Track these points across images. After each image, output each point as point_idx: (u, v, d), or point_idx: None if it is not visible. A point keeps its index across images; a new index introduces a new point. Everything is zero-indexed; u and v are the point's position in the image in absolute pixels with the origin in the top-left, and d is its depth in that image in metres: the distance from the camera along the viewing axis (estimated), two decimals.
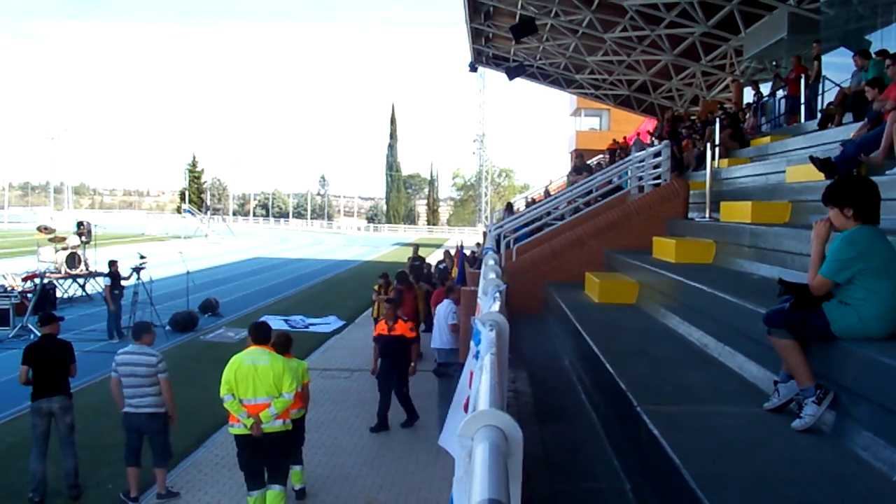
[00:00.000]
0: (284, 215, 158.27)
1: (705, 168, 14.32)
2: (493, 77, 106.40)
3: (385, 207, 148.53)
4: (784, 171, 11.93)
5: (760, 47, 23.49)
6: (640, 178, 16.46)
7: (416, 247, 29.02)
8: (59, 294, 28.35)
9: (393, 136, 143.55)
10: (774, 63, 22.26)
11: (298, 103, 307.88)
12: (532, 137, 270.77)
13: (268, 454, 9.86)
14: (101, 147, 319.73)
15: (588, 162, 32.46)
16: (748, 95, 24.89)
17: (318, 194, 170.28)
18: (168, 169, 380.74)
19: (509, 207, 36.19)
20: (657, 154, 15.94)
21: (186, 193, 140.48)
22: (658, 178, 15.67)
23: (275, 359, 9.72)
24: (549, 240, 15.53)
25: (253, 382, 9.51)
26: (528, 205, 30.63)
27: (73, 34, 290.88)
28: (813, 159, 9.72)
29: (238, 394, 9.51)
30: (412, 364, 14.63)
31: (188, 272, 27.33)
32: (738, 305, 6.66)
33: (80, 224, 31.46)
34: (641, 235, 13.33)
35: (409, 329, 14.53)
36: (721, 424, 4.97)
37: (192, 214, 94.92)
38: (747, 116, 21.81)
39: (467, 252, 24.29)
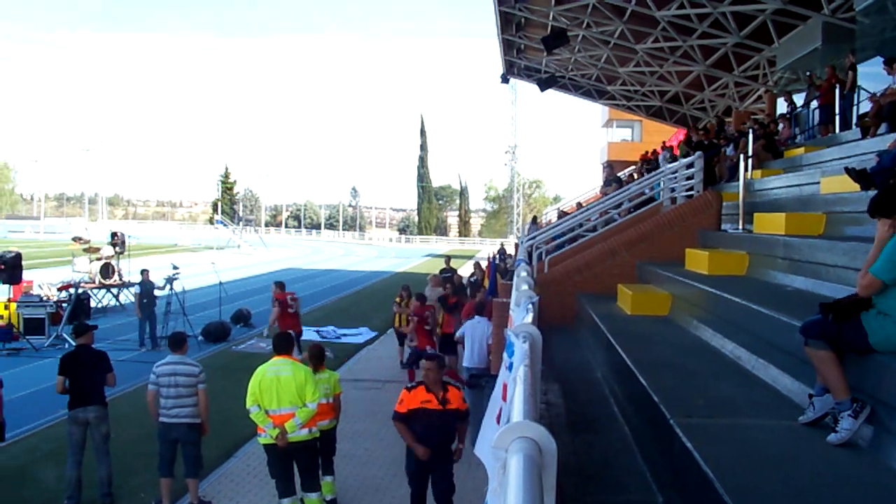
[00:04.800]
0: (316, 226, 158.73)
1: (738, 179, 14.23)
2: (524, 88, 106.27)
3: (416, 219, 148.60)
4: (818, 183, 11.82)
5: (794, 57, 23.34)
6: (673, 190, 16.40)
7: (448, 258, 29.02)
8: (92, 304, 28.59)
9: (423, 147, 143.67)
10: (808, 73, 22.07)
11: (330, 115, 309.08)
12: (563, 149, 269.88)
13: (296, 462, 9.92)
14: (135, 158, 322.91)
15: (619, 174, 32.37)
16: (781, 106, 24.72)
17: (350, 205, 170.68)
18: (201, 180, 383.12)
19: (534, 221, 36.15)
20: (690, 165, 15.87)
21: (219, 204, 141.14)
22: (691, 189, 15.59)
23: (297, 369, 9.75)
24: (581, 251, 15.50)
25: (277, 393, 9.55)
26: (559, 216, 30.58)
27: (108, 46, 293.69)
28: (848, 170, 9.63)
29: (263, 405, 9.56)
30: (460, 446, 10.03)
31: (220, 283, 27.47)
32: (772, 317, 6.62)
33: (113, 235, 31.70)
34: (674, 247, 13.27)
35: (463, 398, 9.94)
36: (755, 437, 4.93)
37: (225, 225, 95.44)
38: (780, 127, 21.64)
39: (507, 251, 24.25)
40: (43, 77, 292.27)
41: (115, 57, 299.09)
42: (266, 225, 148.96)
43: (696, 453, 4.44)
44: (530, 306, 6.29)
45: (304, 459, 9.92)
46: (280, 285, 19.30)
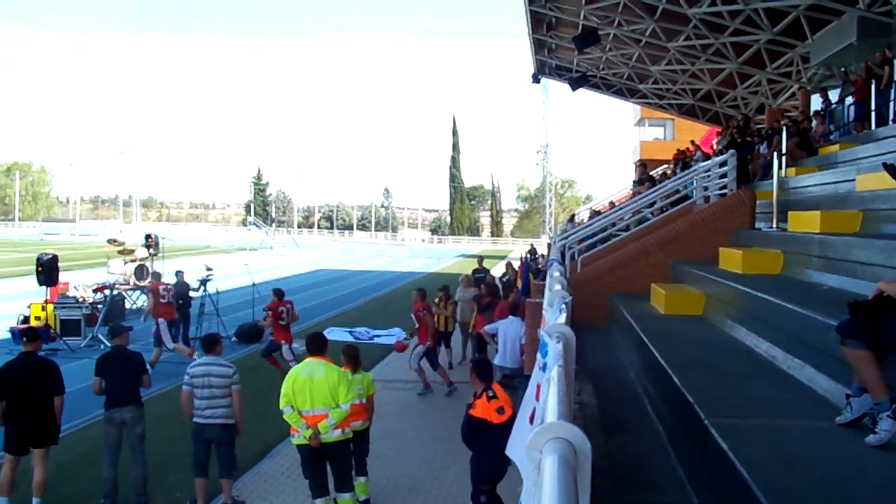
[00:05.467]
0: (349, 227, 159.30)
1: (772, 177, 14.13)
2: (556, 87, 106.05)
3: (449, 219, 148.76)
4: (854, 180, 11.70)
5: (828, 53, 23.12)
6: (706, 188, 16.31)
7: (481, 258, 29.03)
8: (127, 305, 28.82)
9: (455, 147, 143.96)
10: (843, 69, 21.82)
11: (363, 115, 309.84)
12: (595, 148, 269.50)
13: (329, 463, 9.94)
14: (169, 161, 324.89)
15: (652, 172, 32.23)
16: (815, 103, 24.52)
17: (382, 206, 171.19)
18: (233, 182, 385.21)
19: (572, 219, 36.07)
20: (723, 164, 15.77)
21: (252, 206, 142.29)
22: (724, 187, 15.49)
23: (330, 369, 9.77)
24: (613, 251, 15.45)
25: (310, 394, 9.57)
26: (592, 216, 30.50)
27: (141, 49, 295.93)
28: (887, 166, 9.52)
29: (296, 405, 9.59)
30: None
31: (254, 284, 27.57)
32: (808, 316, 6.56)
33: (148, 237, 31.87)
34: (707, 246, 13.18)
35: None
36: (791, 438, 4.89)
37: (258, 227, 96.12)
38: (814, 124, 21.46)
39: (538, 251, 24.21)
40: (77, 81, 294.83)
41: (148, 60, 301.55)
42: (298, 226, 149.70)
43: (731, 454, 4.40)
44: (563, 306, 6.26)
45: (337, 460, 9.95)
46: (278, 293, 19.70)
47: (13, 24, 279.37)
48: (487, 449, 9.10)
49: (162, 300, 20.42)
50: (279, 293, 19.58)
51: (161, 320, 20.15)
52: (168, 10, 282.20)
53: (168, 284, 21.39)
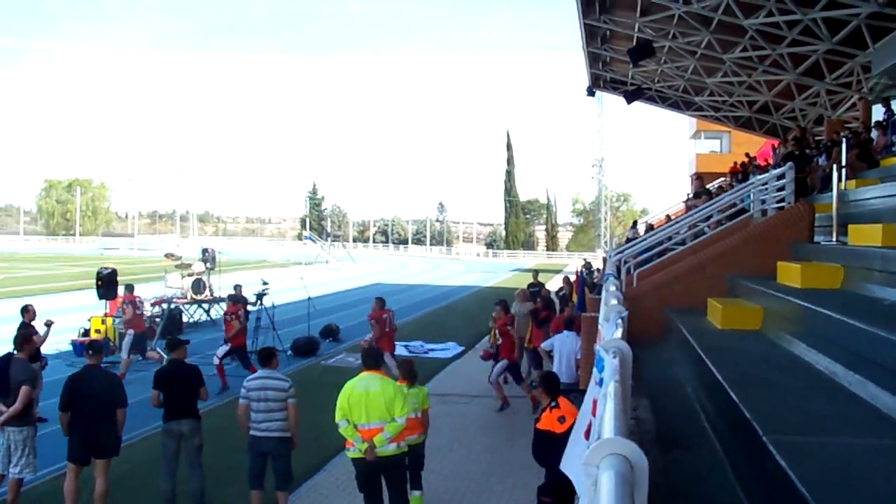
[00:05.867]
0: (404, 242, 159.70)
1: (831, 190, 13.95)
2: (610, 101, 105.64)
3: (504, 233, 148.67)
4: None
5: (891, 62, 22.72)
6: (763, 202, 16.13)
7: (536, 272, 28.99)
8: (185, 319, 29.18)
9: (510, 161, 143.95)
10: None
11: (417, 130, 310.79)
12: (650, 161, 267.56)
13: (384, 477, 9.94)
14: (225, 176, 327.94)
15: (708, 186, 31.94)
16: (877, 113, 24.12)
17: (437, 220, 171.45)
18: (289, 197, 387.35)
19: (635, 224, 35.90)
20: (780, 177, 15.59)
21: (307, 220, 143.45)
22: (782, 201, 15.31)
23: (385, 383, 9.78)
24: (669, 265, 15.33)
25: (366, 407, 9.59)
26: (647, 230, 30.30)
27: (197, 66, 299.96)
28: None
29: (352, 419, 9.61)
30: None
31: (309, 298, 27.77)
32: (869, 332, 6.46)
33: (204, 251, 32.30)
34: (765, 260, 13.03)
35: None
36: (853, 457, 4.80)
37: (313, 241, 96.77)
38: (874, 135, 21.11)
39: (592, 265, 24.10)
40: (135, 98, 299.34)
41: (206, 77, 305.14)
42: (354, 240, 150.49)
43: (791, 472, 4.33)
44: (619, 321, 6.23)
45: (392, 474, 9.96)
46: (380, 302, 20.09)
47: (73, 44, 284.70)
48: (554, 461, 9.06)
49: (137, 311, 20.98)
50: (381, 301, 19.65)
51: (131, 331, 20.67)
52: (223, 29, 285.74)
53: (140, 297, 21.98)
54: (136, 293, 22.25)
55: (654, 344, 12.39)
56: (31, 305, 16.64)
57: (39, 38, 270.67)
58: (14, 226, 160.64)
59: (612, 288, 10.28)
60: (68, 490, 10.61)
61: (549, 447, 8.99)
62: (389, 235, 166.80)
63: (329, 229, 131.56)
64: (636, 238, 21.20)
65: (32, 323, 16.07)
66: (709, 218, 17.24)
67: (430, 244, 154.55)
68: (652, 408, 7.78)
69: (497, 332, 17.86)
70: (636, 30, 27.81)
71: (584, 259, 52.36)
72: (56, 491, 10.85)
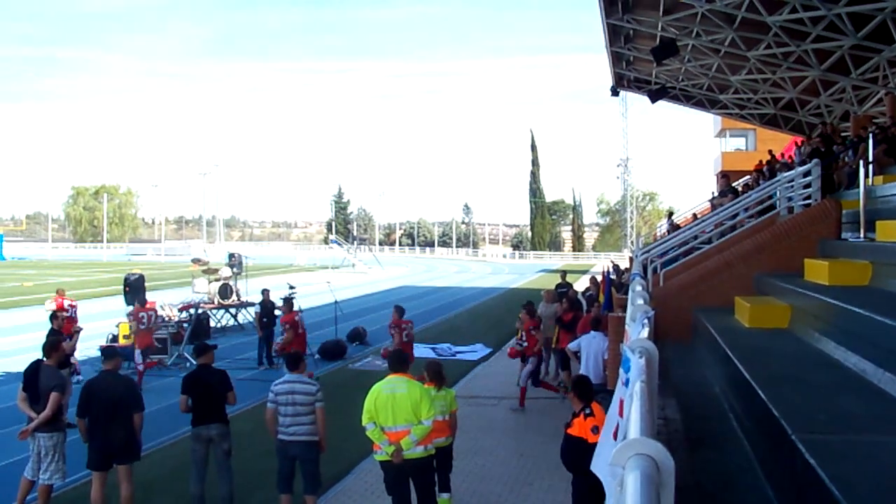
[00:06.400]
0: (430, 244, 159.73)
1: (858, 186, 13.85)
2: (635, 100, 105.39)
3: (530, 234, 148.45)
4: None
5: None
6: (790, 199, 16.04)
7: (564, 273, 28.92)
8: (212, 324, 29.32)
9: (535, 162, 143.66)
10: None
11: (441, 132, 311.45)
12: (676, 160, 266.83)
13: (412, 479, 9.95)
14: (251, 181, 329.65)
15: (734, 184, 31.77)
16: None
17: (463, 222, 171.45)
18: (315, 201, 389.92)
19: (671, 216, 35.78)
20: (806, 173, 15.49)
21: (333, 224, 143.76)
22: (808, 198, 15.22)
23: (412, 386, 9.79)
24: (696, 264, 15.27)
25: (392, 410, 9.61)
26: (673, 229, 30.15)
27: (220, 73, 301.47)
28: None
29: (379, 422, 9.63)
30: None
31: (336, 301, 27.85)
32: None
33: (231, 256, 32.51)
34: (792, 258, 12.95)
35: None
36: (883, 455, 4.76)
37: (339, 245, 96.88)
38: None
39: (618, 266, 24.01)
40: (160, 105, 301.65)
41: (229, 83, 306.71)
42: (380, 243, 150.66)
43: (821, 471, 4.31)
44: (646, 321, 6.21)
45: (420, 476, 9.96)
46: (399, 310, 19.77)
47: (99, 52, 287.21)
48: (585, 469, 9.02)
49: (141, 326, 20.78)
50: (400, 309, 19.66)
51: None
52: (247, 36, 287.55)
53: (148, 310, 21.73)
54: (149, 303, 22.37)
55: (682, 343, 12.35)
56: (60, 312, 16.77)
57: (67, 48, 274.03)
58: (42, 233, 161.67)
59: (639, 288, 10.26)
60: (95, 497, 10.70)
61: (580, 455, 8.94)
62: (415, 238, 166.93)
63: (355, 233, 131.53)
64: (672, 231, 21.08)
65: (62, 330, 16.19)
66: (735, 216, 17.16)
67: (456, 246, 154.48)
68: (680, 408, 7.75)
69: (524, 333, 17.85)
70: (659, 29, 27.69)
71: (611, 261, 52.21)
72: (84, 497, 10.94)
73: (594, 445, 8.53)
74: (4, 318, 34.50)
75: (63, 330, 19.43)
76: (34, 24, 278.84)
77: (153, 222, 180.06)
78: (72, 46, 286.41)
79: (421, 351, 23.22)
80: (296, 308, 20.70)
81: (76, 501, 11.47)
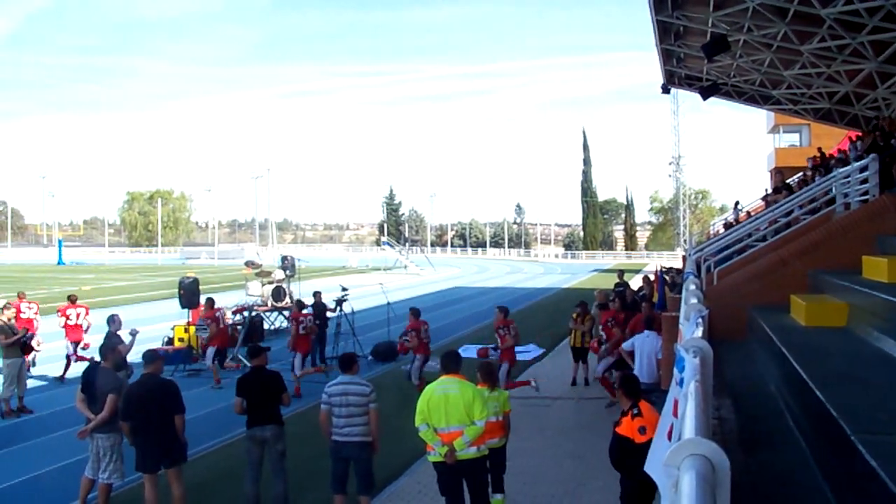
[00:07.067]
0: (482, 245, 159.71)
1: None
2: (686, 97, 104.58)
3: (582, 234, 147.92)
4: None
5: None
6: (846, 195, 15.80)
7: (621, 272, 28.76)
8: (265, 326, 29.52)
9: (587, 161, 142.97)
10: None
11: (492, 132, 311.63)
12: (728, 157, 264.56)
13: (466, 480, 9.93)
14: (303, 184, 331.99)
15: (788, 180, 31.42)
16: None
17: (515, 223, 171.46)
18: (366, 202, 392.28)
19: (737, 206, 35.45)
20: (863, 168, 15.26)
21: (385, 226, 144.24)
22: (865, 193, 14.99)
23: (465, 387, 9.77)
24: (750, 262, 15.11)
25: (445, 411, 9.60)
26: (726, 227, 29.88)
27: (270, 76, 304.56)
28: None
29: (432, 423, 9.63)
30: None
31: (388, 303, 27.93)
32: None
33: (284, 259, 32.66)
34: (849, 255, 12.76)
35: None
36: None
37: (391, 246, 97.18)
38: None
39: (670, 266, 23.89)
40: (213, 110, 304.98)
41: (279, 86, 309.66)
42: (432, 245, 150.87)
43: (882, 472, 4.23)
44: (700, 320, 6.15)
45: (473, 477, 9.94)
46: (415, 312, 20.06)
47: (148, 59, 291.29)
48: (631, 468, 8.96)
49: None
50: (416, 312, 19.73)
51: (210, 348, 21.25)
52: (295, 39, 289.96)
53: (222, 309, 22.80)
54: (217, 305, 22.71)
55: (736, 342, 12.23)
56: (116, 315, 17.01)
57: (118, 56, 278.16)
58: (99, 238, 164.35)
59: (692, 286, 10.17)
60: (149, 498, 10.83)
61: (627, 454, 8.90)
62: (467, 239, 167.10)
63: (407, 234, 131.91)
64: (737, 221, 20.83)
65: (118, 332, 16.41)
66: (790, 213, 16.96)
67: (508, 247, 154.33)
68: (735, 407, 7.67)
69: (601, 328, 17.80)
70: (710, 25, 27.43)
71: (661, 266, 51.93)
72: (142, 497, 11.06)
73: (640, 446, 8.51)
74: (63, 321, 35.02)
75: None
76: (86, 35, 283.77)
77: (206, 226, 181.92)
78: (123, 55, 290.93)
79: (474, 352, 23.19)
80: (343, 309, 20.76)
81: (135, 501, 11.58)
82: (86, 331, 21.81)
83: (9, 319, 18.18)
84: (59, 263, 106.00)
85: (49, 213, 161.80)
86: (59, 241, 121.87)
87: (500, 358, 18.11)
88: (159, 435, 10.79)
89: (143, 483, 11.04)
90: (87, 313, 22.34)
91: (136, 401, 10.83)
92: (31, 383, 18.76)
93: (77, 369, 17.99)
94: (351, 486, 10.80)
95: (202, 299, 25.71)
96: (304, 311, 21.79)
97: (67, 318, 21.97)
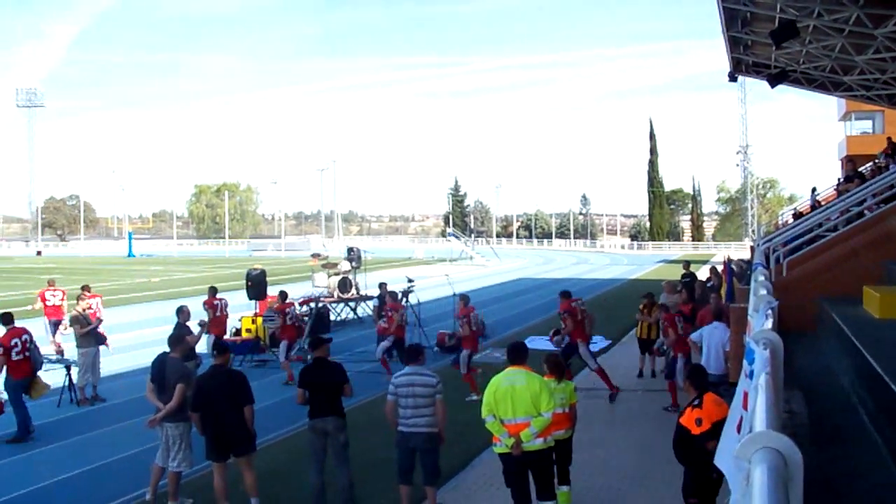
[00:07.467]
0: (547, 236, 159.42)
1: None
2: (753, 85, 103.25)
3: (648, 224, 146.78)
4: None
5: None
6: None
7: (687, 263, 28.56)
8: (332, 317, 29.74)
9: (653, 151, 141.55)
10: None
11: (558, 122, 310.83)
12: (797, 145, 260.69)
13: (531, 472, 9.91)
14: (368, 175, 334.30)
15: (860, 168, 30.87)
16: None
17: (580, 213, 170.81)
18: (431, 194, 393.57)
19: (814, 191, 35.01)
20: None
21: (450, 217, 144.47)
22: None
23: (531, 378, 9.73)
24: (821, 252, 14.87)
25: (512, 403, 9.56)
26: (795, 217, 29.44)
27: (332, 70, 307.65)
28: None
29: (498, 414, 9.60)
30: None
31: (454, 294, 27.93)
32: None
33: (350, 250, 32.93)
34: None
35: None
36: None
37: (457, 237, 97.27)
38: None
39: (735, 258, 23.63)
40: (278, 103, 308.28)
41: (341, 78, 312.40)
42: (497, 236, 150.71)
43: None
44: (769, 311, 6.07)
45: (539, 469, 9.90)
46: (465, 299, 20.25)
47: (213, 54, 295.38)
48: (690, 460, 8.89)
49: (287, 323, 21.51)
50: (466, 298, 19.76)
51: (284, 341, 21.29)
52: (357, 32, 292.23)
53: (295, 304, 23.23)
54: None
55: (807, 334, 12.06)
56: (185, 307, 17.27)
57: (184, 52, 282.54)
58: (168, 231, 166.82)
59: (761, 278, 10.04)
60: (217, 487, 11.02)
61: (685, 445, 8.85)
62: (532, 230, 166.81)
63: (472, 225, 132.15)
64: (815, 207, 20.51)
65: (187, 323, 16.66)
66: (862, 202, 16.65)
67: (574, 237, 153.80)
68: (806, 401, 7.55)
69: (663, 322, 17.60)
70: (778, 10, 26.95)
71: (728, 257, 51.39)
72: (211, 485, 11.22)
73: (696, 437, 8.44)
74: (134, 312, 35.63)
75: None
76: (152, 32, 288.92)
77: (273, 218, 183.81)
78: (188, 51, 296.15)
79: (540, 343, 23.15)
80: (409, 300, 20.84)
81: (203, 488, 11.77)
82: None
83: (83, 310, 18.61)
84: (129, 256, 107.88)
85: (119, 207, 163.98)
86: (130, 234, 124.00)
87: (462, 345, 18.86)
88: (229, 425, 10.95)
89: (212, 471, 11.22)
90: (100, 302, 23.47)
91: (206, 392, 11.00)
92: (103, 372, 19.09)
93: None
94: (417, 476, 10.84)
95: (269, 291, 25.99)
96: (288, 302, 22.43)
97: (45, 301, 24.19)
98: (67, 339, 21.47)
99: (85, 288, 23.63)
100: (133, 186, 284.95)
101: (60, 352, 21.17)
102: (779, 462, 2.30)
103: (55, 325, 24.00)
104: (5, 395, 15.33)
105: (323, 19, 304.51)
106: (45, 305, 24.51)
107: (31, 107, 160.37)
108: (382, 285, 24.20)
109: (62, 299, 24.53)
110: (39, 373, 15.98)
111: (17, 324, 16.09)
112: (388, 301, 20.52)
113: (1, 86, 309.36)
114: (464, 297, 19.84)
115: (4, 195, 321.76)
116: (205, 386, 11.09)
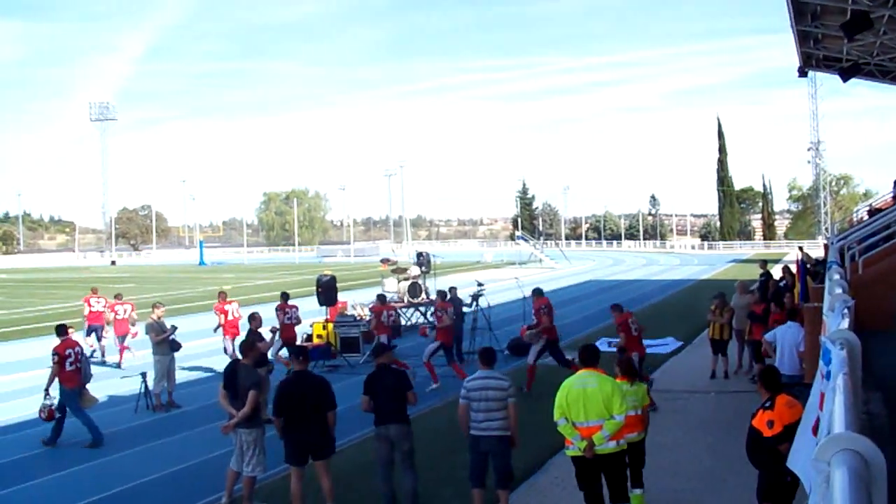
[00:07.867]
0: (616, 237, 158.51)
1: None
2: (824, 79, 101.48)
3: (718, 224, 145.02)
4: None
5: None
6: None
7: (764, 262, 28.16)
8: (402, 322, 29.83)
9: (722, 150, 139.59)
10: None
11: (625, 122, 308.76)
12: (871, 141, 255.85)
13: (604, 475, 9.87)
14: (436, 180, 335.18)
15: None
16: None
17: (650, 214, 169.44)
18: (499, 197, 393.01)
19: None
20: None
21: (518, 220, 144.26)
22: None
23: (603, 381, 9.70)
24: None
25: (584, 405, 9.55)
26: (871, 213, 28.89)
27: (398, 75, 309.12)
28: None
29: (570, 417, 9.59)
30: None
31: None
32: None
33: (419, 255, 33.07)
34: None
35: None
36: None
37: (526, 240, 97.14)
38: None
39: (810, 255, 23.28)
40: (345, 109, 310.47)
41: (408, 83, 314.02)
42: (566, 238, 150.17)
43: None
44: (846, 311, 5.98)
45: (612, 472, 9.86)
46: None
47: (278, 62, 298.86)
48: (763, 462, 8.77)
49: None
50: (539, 290, 20.11)
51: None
52: (421, 37, 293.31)
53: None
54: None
55: (884, 334, 11.84)
56: (257, 313, 17.49)
57: (250, 60, 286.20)
58: (238, 238, 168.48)
59: (836, 276, 9.89)
60: (294, 491, 11.14)
61: (756, 447, 8.74)
62: (601, 232, 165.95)
63: (541, 228, 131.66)
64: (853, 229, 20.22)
65: (259, 330, 16.87)
66: None
67: (643, 238, 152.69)
68: (885, 401, 7.42)
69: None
70: (849, 2, 26.51)
71: (799, 247, 50.62)
72: (285, 489, 11.38)
73: (768, 439, 8.32)
74: (206, 320, 36.12)
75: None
76: (218, 42, 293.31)
77: (342, 224, 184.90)
78: (254, 59, 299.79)
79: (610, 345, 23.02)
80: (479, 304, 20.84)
81: (277, 493, 11.93)
82: (133, 325, 24.51)
83: (158, 318, 18.93)
84: (200, 264, 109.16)
85: (190, 216, 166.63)
86: (201, 243, 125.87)
87: (436, 337, 19.66)
88: (310, 430, 11.08)
89: (287, 475, 11.37)
90: (132, 309, 24.90)
91: (290, 397, 11.12)
92: (178, 380, 19.42)
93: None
94: (489, 479, 10.84)
95: (339, 296, 26.18)
96: (290, 303, 22.72)
97: (115, 313, 24.46)
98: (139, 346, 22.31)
99: (117, 296, 24.50)
100: (203, 195, 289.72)
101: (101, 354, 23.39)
102: (860, 465, 2.27)
103: (97, 331, 25.27)
104: (54, 402, 15.66)
105: (388, 24, 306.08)
106: (91, 311, 25.37)
107: (103, 120, 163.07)
108: (453, 289, 24.18)
109: (105, 306, 25.33)
110: (88, 385, 16.29)
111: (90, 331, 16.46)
112: (437, 300, 20.63)
113: (75, 100, 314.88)
114: (536, 290, 20.41)
115: (80, 207, 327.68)
116: (289, 391, 11.21)
